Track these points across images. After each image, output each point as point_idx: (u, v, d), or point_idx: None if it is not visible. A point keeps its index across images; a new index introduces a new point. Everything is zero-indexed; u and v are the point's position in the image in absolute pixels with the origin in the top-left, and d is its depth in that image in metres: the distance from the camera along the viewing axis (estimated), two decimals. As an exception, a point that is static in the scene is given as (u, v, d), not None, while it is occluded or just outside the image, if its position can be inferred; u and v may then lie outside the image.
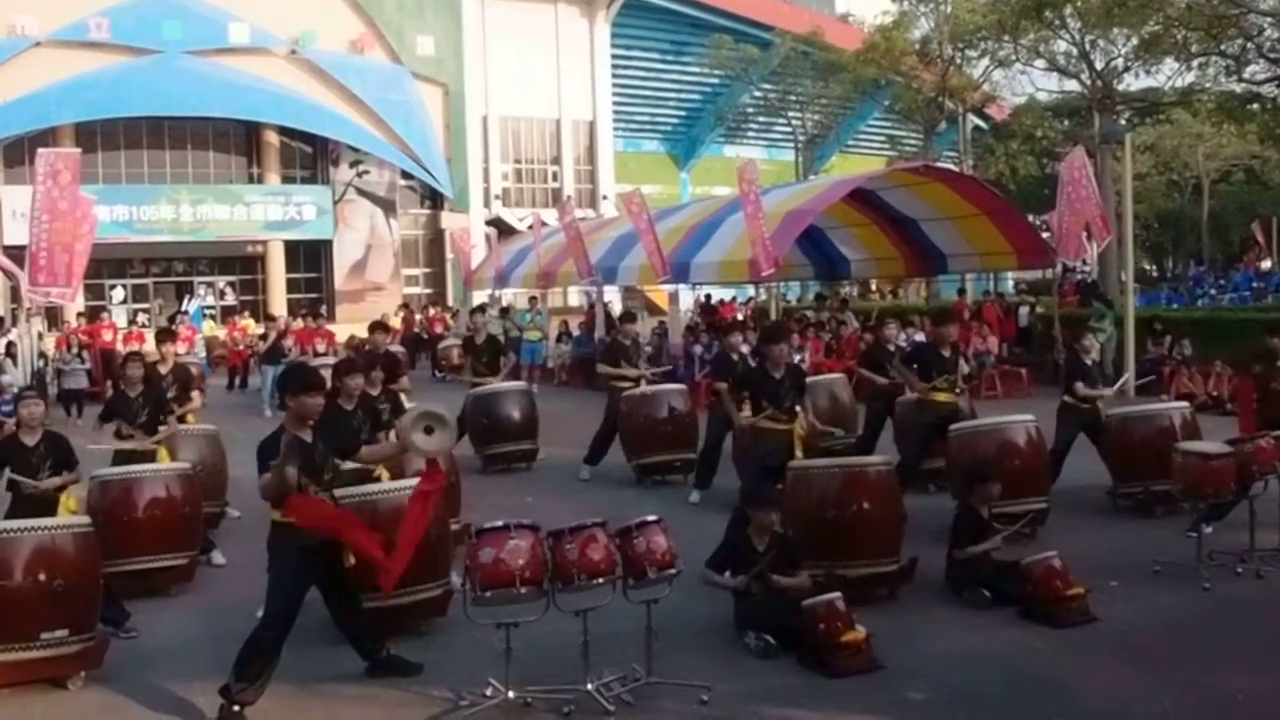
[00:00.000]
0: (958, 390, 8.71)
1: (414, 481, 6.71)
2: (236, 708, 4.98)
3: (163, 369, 9.67)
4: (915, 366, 8.89)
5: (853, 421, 10.92)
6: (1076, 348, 9.55)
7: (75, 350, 18.01)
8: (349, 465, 6.80)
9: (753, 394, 7.93)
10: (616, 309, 24.60)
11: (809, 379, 13.02)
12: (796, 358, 16.71)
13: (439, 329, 25.07)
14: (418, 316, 27.43)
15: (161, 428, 8.41)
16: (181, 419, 9.32)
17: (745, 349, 11.60)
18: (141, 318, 31.03)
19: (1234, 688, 5.17)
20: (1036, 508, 7.91)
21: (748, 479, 7.81)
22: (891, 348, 10.35)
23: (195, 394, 10.29)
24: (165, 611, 6.82)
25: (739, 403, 8.18)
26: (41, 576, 5.53)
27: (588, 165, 40.81)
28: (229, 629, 5.80)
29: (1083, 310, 20.20)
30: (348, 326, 27.62)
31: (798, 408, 7.85)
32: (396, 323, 24.11)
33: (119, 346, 19.09)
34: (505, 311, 22.43)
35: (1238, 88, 25.74)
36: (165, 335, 10.64)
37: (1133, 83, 29.00)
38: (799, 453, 7.38)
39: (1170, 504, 8.05)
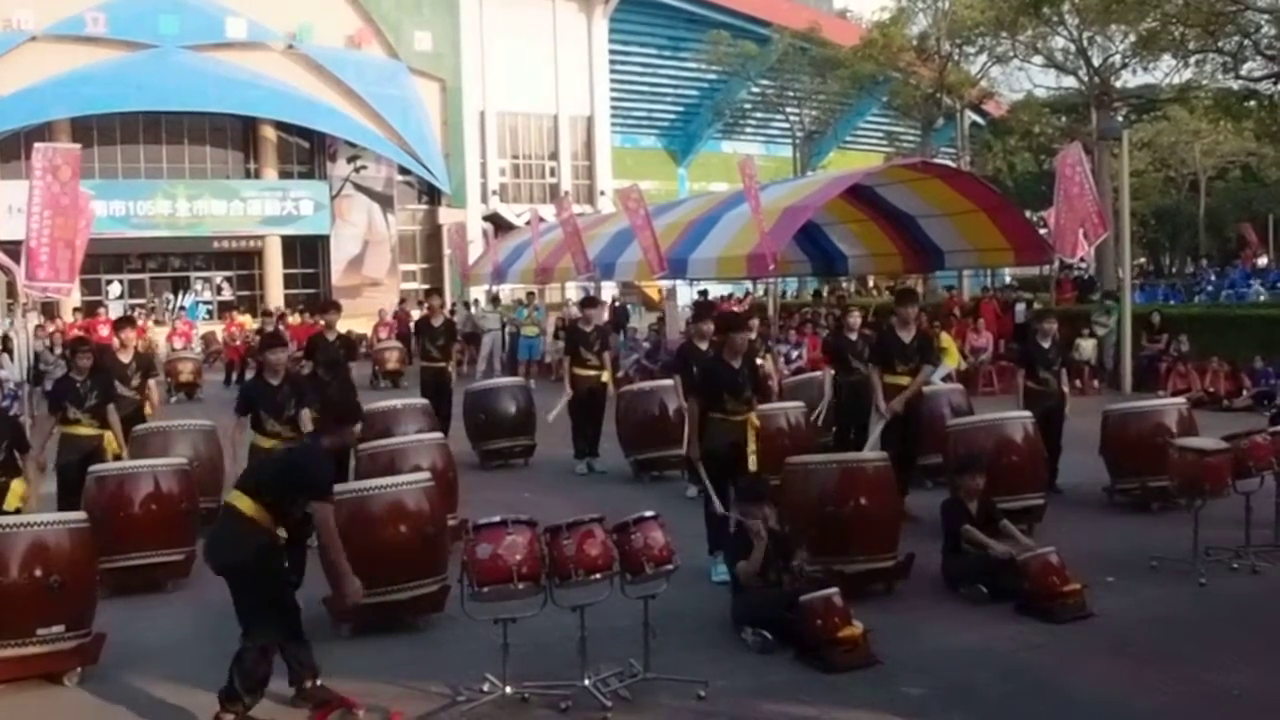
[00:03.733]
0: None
1: (416, 476, 6.74)
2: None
3: (124, 356, 9.61)
4: (875, 354, 8.71)
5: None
6: (1034, 329, 9.32)
7: (58, 351, 17.98)
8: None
9: (712, 386, 7.26)
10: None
11: (804, 375, 13.07)
12: (794, 354, 16.77)
13: (437, 322, 24.97)
14: (414, 313, 27.34)
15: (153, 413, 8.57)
16: (141, 409, 9.30)
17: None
18: (138, 313, 30.95)
19: (1230, 683, 5.17)
20: (1033, 503, 7.94)
21: (744, 479, 7.76)
22: (853, 336, 9.84)
23: (152, 382, 10.27)
24: (161, 607, 6.82)
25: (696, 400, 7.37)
26: (38, 572, 5.52)
27: (585, 161, 40.76)
28: (225, 626, 5.77)
29: (1081, 306, 20.19)
30: (345, 322, 27.65)
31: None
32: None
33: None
34: (495, 301, 22.32)
35: (1235, 84, 25.76)
36: (124, 322, 10.58)
37: (1130, 79, 29.12)
38: (752, 444, 7.06)
39: (1167, 500, 8.06)
